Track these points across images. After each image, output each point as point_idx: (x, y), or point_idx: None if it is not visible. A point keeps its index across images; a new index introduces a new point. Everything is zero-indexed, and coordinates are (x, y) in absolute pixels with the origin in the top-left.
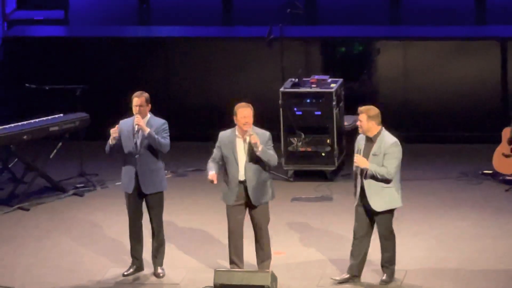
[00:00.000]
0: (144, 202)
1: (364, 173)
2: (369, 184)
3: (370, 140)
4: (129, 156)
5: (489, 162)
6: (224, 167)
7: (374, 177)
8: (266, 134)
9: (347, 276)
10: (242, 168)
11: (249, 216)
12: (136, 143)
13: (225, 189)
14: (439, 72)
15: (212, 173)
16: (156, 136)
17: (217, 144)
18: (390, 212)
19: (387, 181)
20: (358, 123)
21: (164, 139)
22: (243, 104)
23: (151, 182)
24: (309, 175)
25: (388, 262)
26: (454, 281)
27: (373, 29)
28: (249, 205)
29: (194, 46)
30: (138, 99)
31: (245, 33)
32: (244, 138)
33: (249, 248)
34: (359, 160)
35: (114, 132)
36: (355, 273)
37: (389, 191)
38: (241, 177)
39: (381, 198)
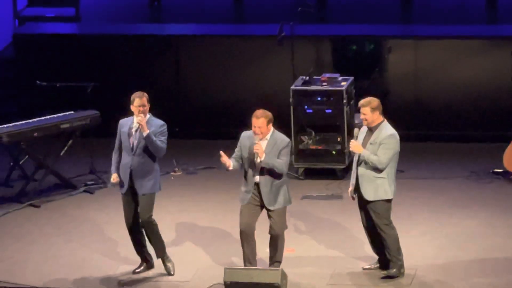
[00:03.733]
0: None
1: (359, 162)
2: (362, 173)
3: (370, 130)
4: (126, 155)
5: (499, 161)
6: (244, 167)
7: (365, 164)
8: (285, 141)
9: (374, 266)
10: (258, 170)
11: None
12: (133, 144)
13: (242, 189)
14: (450, 70)
15: (229, 162)
16: (154, 139)
17: (238, 143)
18: (384, 202)
19: (377, 170)
20: (362, 116)
21: (162, 143)
22: (258, 113)
23: (144, 182)
24: (319, 173)
25: (391, 255)
26: (464, 280)
27: (384, 28)
28: (265, 208)
29: (205, 44)
30: (140, 100)
31: (256, 31)
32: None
33: (262, 247)
34: (353, 145)
35: (114, 180)
36: (380, 265)
37: (381, 182)
38: (257, 179)
39: (372, 187)
